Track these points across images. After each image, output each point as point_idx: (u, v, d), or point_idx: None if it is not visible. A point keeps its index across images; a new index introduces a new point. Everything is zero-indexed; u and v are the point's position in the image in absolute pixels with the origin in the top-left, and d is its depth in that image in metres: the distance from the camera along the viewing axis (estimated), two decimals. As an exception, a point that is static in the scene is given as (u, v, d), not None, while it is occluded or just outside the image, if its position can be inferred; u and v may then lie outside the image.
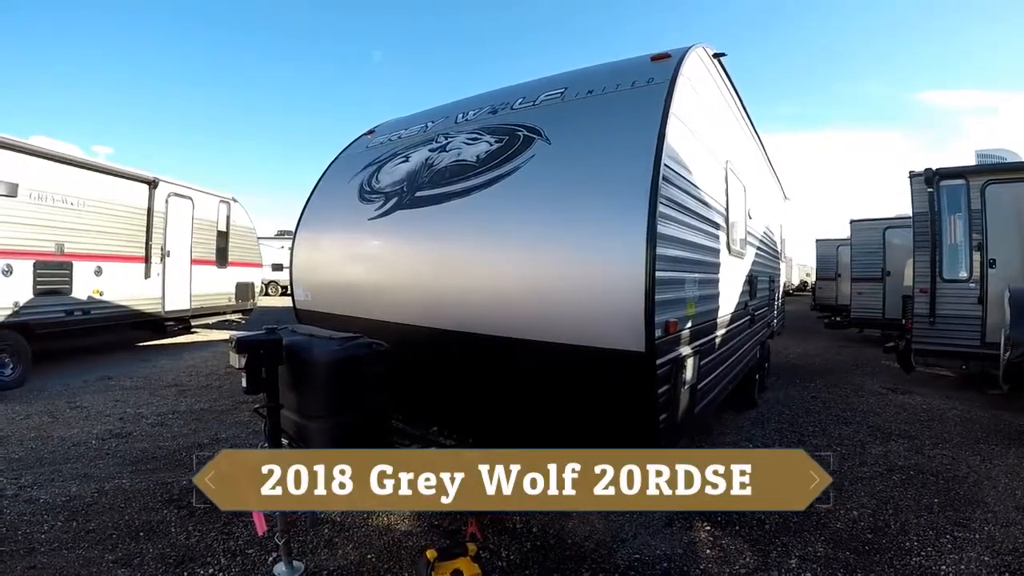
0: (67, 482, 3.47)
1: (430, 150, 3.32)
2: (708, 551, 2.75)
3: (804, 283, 32.59)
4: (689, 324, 2.80)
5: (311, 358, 2.27)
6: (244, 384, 2.24)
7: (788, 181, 8.42)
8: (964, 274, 6.39)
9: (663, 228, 2.33)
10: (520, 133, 2.87)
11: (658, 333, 2.26)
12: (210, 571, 2.49)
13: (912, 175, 6.76)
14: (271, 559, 2.52)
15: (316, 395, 2.28)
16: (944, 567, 2.62)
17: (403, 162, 3.44)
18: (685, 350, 2.69)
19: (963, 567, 2.62)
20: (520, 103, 3.17)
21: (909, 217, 7.20)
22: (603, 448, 1.89)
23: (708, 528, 2.97)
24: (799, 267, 35.33)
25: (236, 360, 2.23)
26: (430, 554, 1.97)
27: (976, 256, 6.26)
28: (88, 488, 3.37)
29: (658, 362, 2.30)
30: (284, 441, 2.36)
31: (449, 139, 3.27)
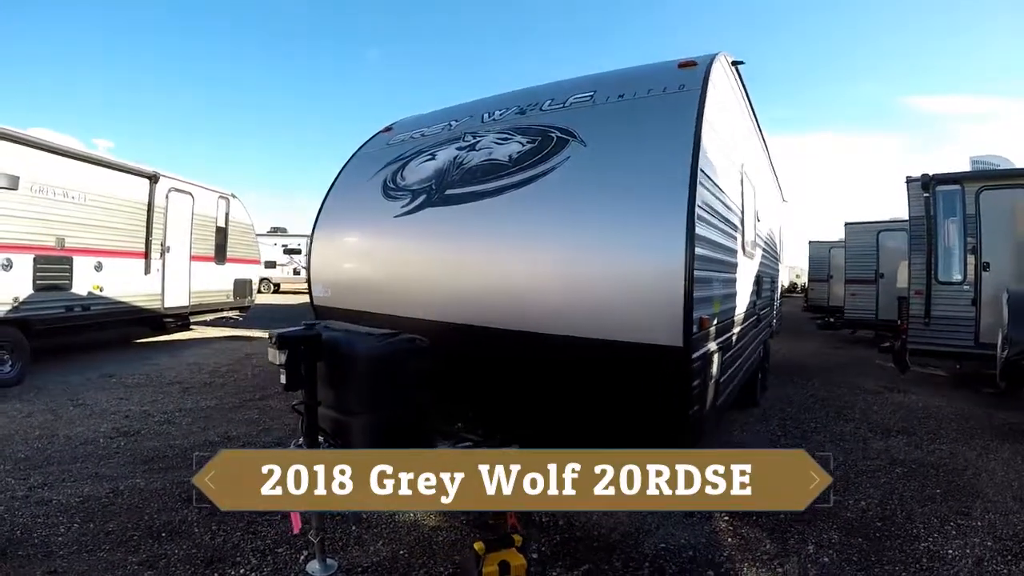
0: (79, 482, 3.38)
1: (458, 148, 3.34)
2: (729, 539, 2.85)
3: (794, 284, 31.08)
4: (715, 321, 2.88)
5: (352, 353, 2.26)
6: (283, 380, 2.23)
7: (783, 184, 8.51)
8: (959, 276, 6.57)
9: (699, 229, 2.39)
10: (553, 135, 2.91)
11: (694, 329, 2.33)
12: (241, 571, 2.45)
13: (909, 180, 6.94)
14: (303, 557, 2.51)
15: (356, 391, 2.27)
16: (951, 551, 2.77)
17: (429, 159, 3.45)
18: (712, 346, 2.77)
19: (968, 551, 2.77)
20: (549, 104, 3.21)
21: (903, 220, 7.38)
22: (635, 440, 1.93)
23: (727, 518, 3.05)
24: (788, 268, 34.83)
25: (276, 356, 2.21)
26: (479, 547, 2.00)
27: (970, 259, 6.44)
28: (102, 488, 3.29)
29: (692, 356, 2.37)
30: (320, 439, 2.34)
31: (478, 138, 3.29)
